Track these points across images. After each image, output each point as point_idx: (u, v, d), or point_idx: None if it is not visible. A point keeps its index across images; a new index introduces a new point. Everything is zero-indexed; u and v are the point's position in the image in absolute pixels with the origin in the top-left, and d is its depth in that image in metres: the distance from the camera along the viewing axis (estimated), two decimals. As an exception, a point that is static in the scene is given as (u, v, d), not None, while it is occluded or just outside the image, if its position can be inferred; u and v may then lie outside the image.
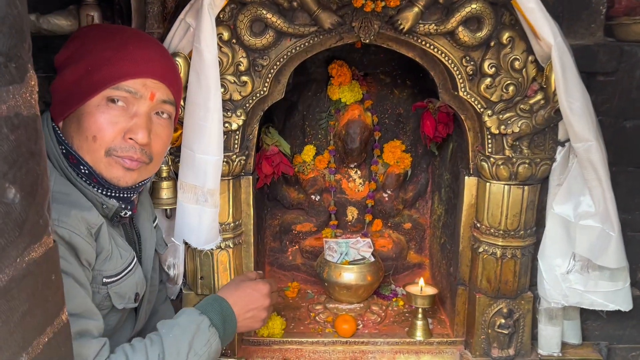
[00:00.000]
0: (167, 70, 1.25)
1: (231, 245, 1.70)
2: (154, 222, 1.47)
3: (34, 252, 0.83)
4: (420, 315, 1.86)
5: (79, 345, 1.04)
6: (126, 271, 1.23)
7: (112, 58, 1.16)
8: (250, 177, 1.72)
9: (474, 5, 1.45)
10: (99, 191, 1.18)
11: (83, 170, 1.16)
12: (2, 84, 0.75)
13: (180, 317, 1.28)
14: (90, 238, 1.11)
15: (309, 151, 2.17)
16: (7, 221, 0.76)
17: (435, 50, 1.53)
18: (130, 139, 1.17)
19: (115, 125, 1.16)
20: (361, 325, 1.92)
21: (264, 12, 1.47)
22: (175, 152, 1.57)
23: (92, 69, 1.15)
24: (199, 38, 1.43)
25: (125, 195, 1.23)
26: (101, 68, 1.15)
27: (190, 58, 1.48)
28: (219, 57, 1.48)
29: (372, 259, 2.04)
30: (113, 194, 1.20)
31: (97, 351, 1.08)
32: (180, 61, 1.48)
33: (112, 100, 1.16)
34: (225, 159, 1.58)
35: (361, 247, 2.07)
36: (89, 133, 1.15)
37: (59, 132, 1.18)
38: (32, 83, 0.82)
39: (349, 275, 1.97)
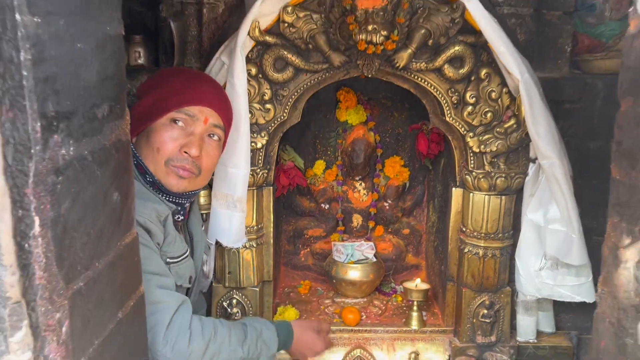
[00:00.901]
0: (220, 102, 1.58)
1: (254, 245, 2.01)
2: (202, 225, 1.79)
3: (126, 239, 1.15)
4: (415, 308, 2.16)
5: (164, 294, 1.36)
6: (183, 256, 1.55)
7: (178, 89, 1.49)
8: (271, 187, 2.04)
9: (457, 47, 1.77)
10: (162, 196, 1.50)
11: (148, 179, 1.48)
12: (113, 120, 1.07)
13: (263, 323, 1.64)
14: (159, 224, 1.43)
15: (319, 165, 2.49)
16: (113, 215, 1.08)
17: (426, 83, 1.85)
18: (185, 152, 1.48)
19: (175, 140, 1.48)
20: (364, 316, 2.22)
21: (285, 53, 1.79)
22: (210, 166, 1.89)
23: (162, 97, 1.48)
24: (232, 73, 1.75)
25: (180, 201, 1.54)
26: (169, 96, 1.48)
27: (224, 89, 1.80)
28: (247, 88, 1.80)
29: (374, 259, 2.34)
30: (170, 199, 1.52)
31: (178, 303, 1.39)
32: (215, 92, 1.81)
33: (175, 121, 1.48)
34: (251, 172, 1.89)
35: (365, 249, 2.38)
36: (155, 145, 1.47)
37: (132, 147, 1.50)
38: (127, 118, 1.15)
39: (354, 273, 2.28)
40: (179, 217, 1.58)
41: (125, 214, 1.14)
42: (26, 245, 0.79)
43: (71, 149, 0.90)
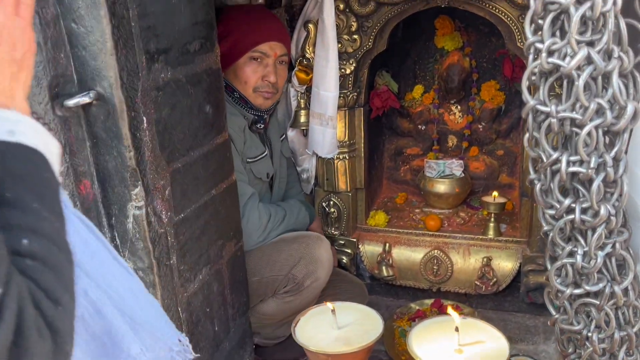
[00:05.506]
0: (282, 34, 1.98)
1: (347, 157, 2.38)
2: (281, 136, 2.23)
3: (218, 140, 1.59)
4: (492, 219, 2.38)
5: (240, 184, 1.83)
6: (259, 157, 2.01)
7: (248, 32, 1.89)
8: (362, 108, 2.36)
9: (525, -25, 1.88)
10: (243, 109, 1.96)
11: (236, 95, 1.95)
12: (203, 53, 1.49)
13: (292, 201, 2.16)
14: (240, 132, 1.90)
15: (418, 90, 2.73)
16: (206, 121, 1.52)
17: (498, 11, 1.98)
18: (266, 80, 1.92)
19: (256, 73, 1.93)
20: (446, 224, 2.51)
21: (367, -11, 2.06)
22: (307, 90, 2.26)
23: (237, 40, 1.89)
24: (322, 10, 2.07)
25: (259, 114, 2.00)
26: (243, 39, 1.89)
27: (317, 24, 2.14)
28: (336, 22, 2.11)
29: (462, 175, 2.57)
30: (252, 112, 1.98)
31: (251, 192, 1.89)
32: (311, 26, 2.16)
33: (253, 59, 1.91)
34: (341, 95, 2.23)
35: (454, 166, 2.61)
36: (242, 79, 1.93)
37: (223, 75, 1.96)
38: (217, 52, 1.56)
39: (440, 186, 2.55)
40: (260, 126, 2.03)
41: (217, 121, 1.58)
42: (138, 134, 1.25)
43: (169, 73, 1.34)
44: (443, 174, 2.61)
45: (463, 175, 2.59)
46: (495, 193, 2.42)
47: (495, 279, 2.33)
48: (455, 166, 2.62)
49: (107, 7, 1.14)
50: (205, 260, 1.56)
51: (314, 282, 1.91)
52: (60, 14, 1.15)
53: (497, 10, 1.99)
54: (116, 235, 1.32)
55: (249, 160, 1.99)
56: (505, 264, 2.33)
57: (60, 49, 1.15)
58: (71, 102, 1.16)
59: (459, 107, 2.71)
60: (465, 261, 2.38)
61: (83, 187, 1.26)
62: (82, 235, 0.78)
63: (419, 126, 2.77)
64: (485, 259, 2.33)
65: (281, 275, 1.90)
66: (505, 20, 1.99)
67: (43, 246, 0.61)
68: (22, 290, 0.55)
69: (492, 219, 2.39)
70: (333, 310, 1.51)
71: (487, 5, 1.99)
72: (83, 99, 1.18)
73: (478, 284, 2.35)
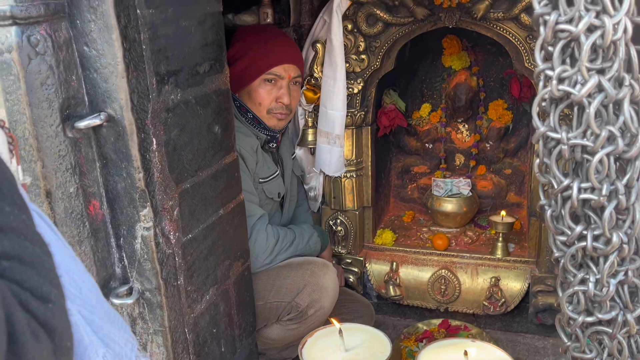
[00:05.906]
0: (296, 56, 2.00)
1: (354, 176, 2.38)
2: (292, 154, 2.23)
3: (227, 160, 1.60)
4: (500, 239, 2.37)
5: (250, 205, 1.83)
6: (272, 177, 2.00)
7: (263, 55, 1.91)
8: (370, 127, 2.36)
9: (533, -4, 1.88)
10: (257, 129, 1.97)
11: (249, 116, 1.95)
12: (213, 74, 1.50)
13: (305, 226, 2.12)
14: (253, 152, 1.89)
15: (425, 108, 2.73)
16: (215, 142, 1.52)
17: (505, 31, 1.99)
18: (280, 101, 1.94)
19: (270, 94, 1.94)
20: (454, 244, 2.49)
21: (375, 10, 2.07)
22: (314, 109, 2.27)
23: (251, 63, 1.91)
24: (330, 30, 2.09)
25: (272, 134, 2.00)
26: (257, 62, 1.91)
27: (325, 44, 2.15)
28: (345, 42, 2.12)
29: (470, 194, 2.56)
30: (265, 132, 1.98)
31: (260, 214, 1.88)
32: (319, 46, 2.17)
33: (267, 80, 1.93)
34: (349, 114, 2.24)
35: (462, 185, 2.60)
36: (257, 101, 1.94)
37: (236, 96, 1.96)
38: (226, 73, 1.57)
39: (448, 206, 2.54)
40: (273, 145, 2.04)
41: (225, 141, 1.59)
42: (147, 156, 1.26)
43: (178, 95, 1.35)
44: (450, 193, 2.61)
45: (471, 194, 2.58)
46: (503, 212, 2.41)
47: (503, 300, 2.31)
48: (462, 185, 2.61)
49: (119, 31, 1.15)
50: (213, 281, 1.55)
51: (318, 310, 1.89)
52: (73, 37, 1.16)
53: (504, 31, 1.99)
54: (124, 255, 1.32)
55: (262, 180, 1.99)
56: (513, 284, 2.31)
57: (72, 72, 1.17)
58: (82, 124, 1.17)
59: (466, 126, 2.71)
60: (473, 281, 2.36)
61: (92, 208, 1.26)
62: (44, 231, 0.71)
63: (427, 145, 2.78)
64: (493, 279, 2.32)
65: (284, 302, 1.88)
66: (513, 40, 2.00)
67: (14, 243, 0.54)
68: (5, 296, 0.49)
69: (500, 239, 2.37)
70: (340, 332, 1.50)
71: (495, 26, 2.00)
72: (94, 121, 1.18)
73: (486, 304, 2.33)
